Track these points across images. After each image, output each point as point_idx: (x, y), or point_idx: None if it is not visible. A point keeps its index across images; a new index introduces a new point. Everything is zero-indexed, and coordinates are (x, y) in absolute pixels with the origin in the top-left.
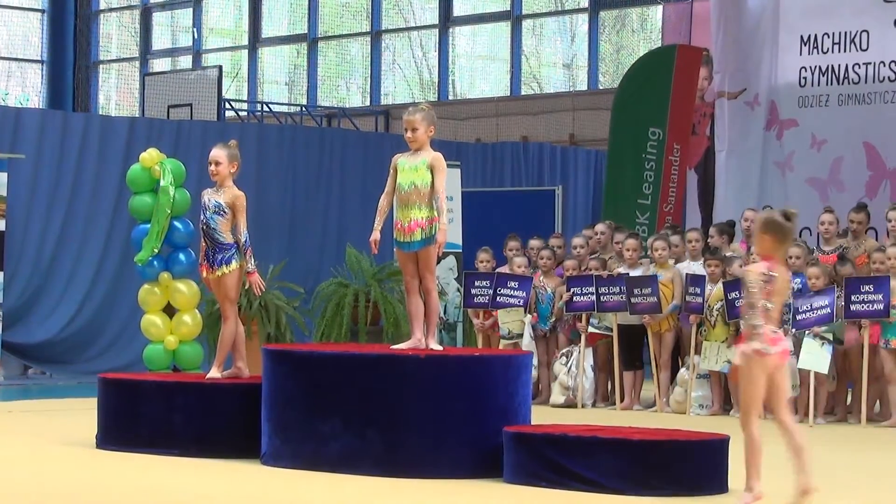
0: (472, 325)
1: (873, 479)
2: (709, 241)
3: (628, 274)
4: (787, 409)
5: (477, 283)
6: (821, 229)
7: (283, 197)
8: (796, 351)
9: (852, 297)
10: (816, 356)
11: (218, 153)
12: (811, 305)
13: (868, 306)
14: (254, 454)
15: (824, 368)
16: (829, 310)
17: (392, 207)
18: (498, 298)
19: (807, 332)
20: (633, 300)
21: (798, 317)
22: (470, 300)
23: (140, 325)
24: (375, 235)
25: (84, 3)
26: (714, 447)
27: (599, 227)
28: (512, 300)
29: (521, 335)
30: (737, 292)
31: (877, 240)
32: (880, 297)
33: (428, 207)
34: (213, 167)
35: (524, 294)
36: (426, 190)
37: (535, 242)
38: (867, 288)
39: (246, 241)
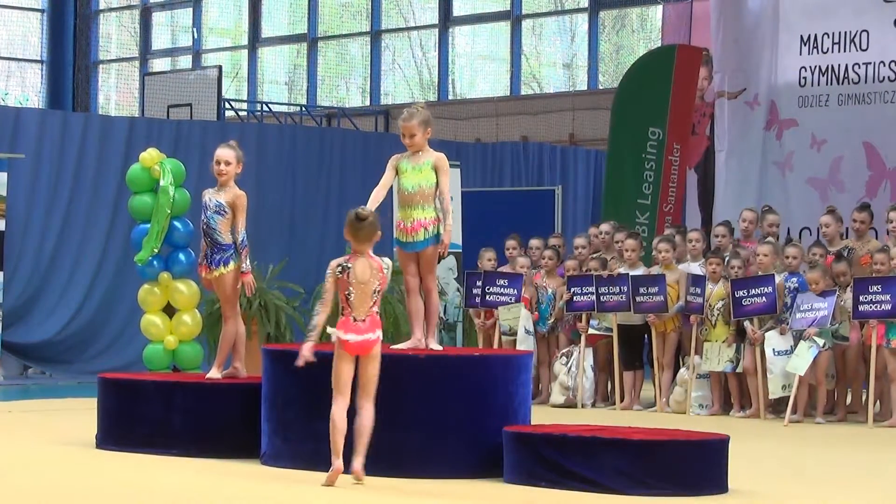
0: (472, 324)
1: (872, 479)
2: (720, 240)
3: (629, 274)
4: (368, 394)
5: (478, 283)
6: (822, 230)
7: (282, 197)
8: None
9: (861, 298)
10: (801, 358)
11: (227, 153)
12: (812, 306)
13: (877, 306)
14: (253, 454)
15: (802, 371)
16: (826, 312)
17: (383, 200)
18: (488, 297)
19: (804, 334)
20: (637, 299)
21: (798, 315)
22: (472, 300)
23: (140, 324)
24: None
25: (84, 2)
26: (714, 447)
27: (604, 226)
28: (503, 298)
29: None
30: (745, 291)
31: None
32: (888, 297)
33: (431, 208)
34: (221, 167)
35: (515, 291)
36: (431, 191)
37: (535, 242)
38: (876, 288)
39: (243, 241)
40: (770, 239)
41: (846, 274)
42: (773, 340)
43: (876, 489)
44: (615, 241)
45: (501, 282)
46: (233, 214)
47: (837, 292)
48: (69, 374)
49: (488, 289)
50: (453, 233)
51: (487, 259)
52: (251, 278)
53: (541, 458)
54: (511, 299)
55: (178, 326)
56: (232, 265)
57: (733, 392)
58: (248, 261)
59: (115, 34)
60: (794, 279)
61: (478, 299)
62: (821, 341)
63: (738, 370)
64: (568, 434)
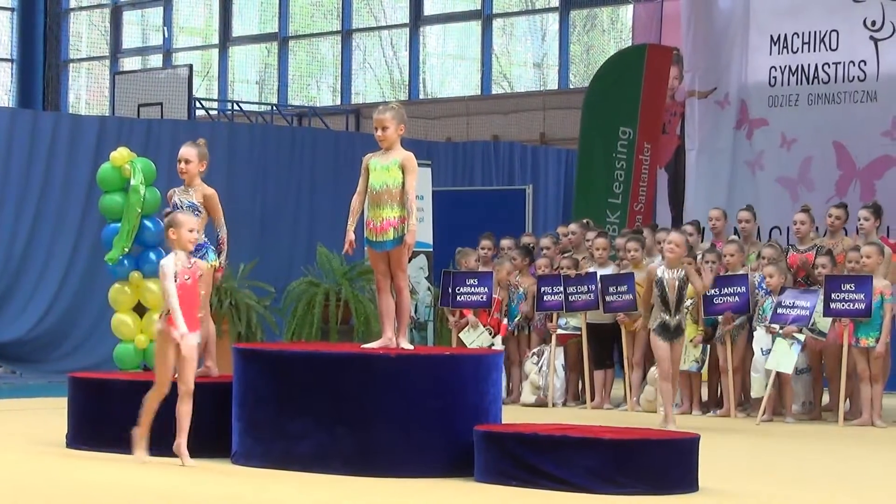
0: (443, 323)
1: (842, 478)
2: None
3: (597, 273)
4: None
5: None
6: (794, 228)
7: (253, 196)
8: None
9: (833, 296)
10: (784, 356)
11: (188, 151)
12: (794, 303)
13: (849, 305)
14: (224, 453)
15: (789, 369)
16: (808, 312)
17: (364, 207)
18: (458, 297)
19: (779, 330)
20: (607, 298)
21: (779, 310)
22: (446, 299)
23: (110, 324)
24: (350, 236)
25: (54, 1)
26: (684, 446)
27: (572, 226)
28: (474, 297)
29: None
30: (716, 289)
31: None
32: (862, 296)
33: (400, 207)
34: (182, 165)
35: (486, 290)
36: (398, 190)
37: (506, 242)
38: (848, 287)
39: (220, 237)
40: (734, 237)
41: (826, 267)
42: (763, 340)
43: (845, 487)
44: (585, 240)
45: (471, 281)
46: (207, 213)
47: (820, 291)
48: (39, 374)
49: (458, 289)
50: (424, 232)
51: (475, 260)
52: (220, 275)
53: (512, 457)
54: (482, 298)
55: (148, 326)
56: (208, 262)
57: (695, 392)
58: (223, 257)
59: (85, 33)
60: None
61: (448, 299)
62: (802, 337)
63: (703, 370)
64: (539, 433)
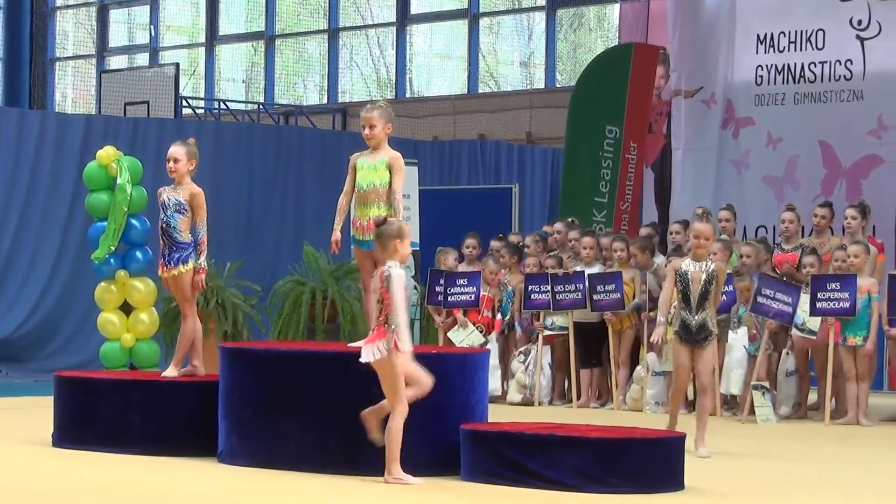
0: (430, 322)
1: (827, 476)
2: (673, 237)
3: (585, 272)
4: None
5: (441, 282)
6: (782, 227)
7: (239, 194)
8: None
9: (818, 295)
10: (764, 408)
11: (176, 150)
12: (774, 295)
13: (834, 304)
14: (211, 452)
15: (774, 420)
16: (790, 309)
17: (351, 206)
18: (450, 298)
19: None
20: (595, 297)
21: (759, 298)
22: (433, 297)
23: (97, 322)
24: (336, 235)
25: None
26: (670, 445)
27: (557, 225)
28: (464, 297)
29: None
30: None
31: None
32: (847, 295)
33: (387, 206)
34: (171, 164)
35: (474, 289)
36: (384, 189)
37: (496, 244)
38: (834, 286)
39: (199, 237)
40: (723, 237)
41: (814, 266)
42: (743, 339)
43: (830, 486)
44: (569, 239)
45: (461, 281)
46: (192, 212)
47: (802, 289)
48: (25, 373)
49: (450, 290)
50: (411, 231)
51: (454, 259)
52: (202, 277)
53: (498, 456)
54: (471, 297)
55: (135, 324)
56: (191, 264)
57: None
58: (204, 258)
59: (71, 31)
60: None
61: (440, 297)
62: (752, 348)
63: None
64: (525, 432)
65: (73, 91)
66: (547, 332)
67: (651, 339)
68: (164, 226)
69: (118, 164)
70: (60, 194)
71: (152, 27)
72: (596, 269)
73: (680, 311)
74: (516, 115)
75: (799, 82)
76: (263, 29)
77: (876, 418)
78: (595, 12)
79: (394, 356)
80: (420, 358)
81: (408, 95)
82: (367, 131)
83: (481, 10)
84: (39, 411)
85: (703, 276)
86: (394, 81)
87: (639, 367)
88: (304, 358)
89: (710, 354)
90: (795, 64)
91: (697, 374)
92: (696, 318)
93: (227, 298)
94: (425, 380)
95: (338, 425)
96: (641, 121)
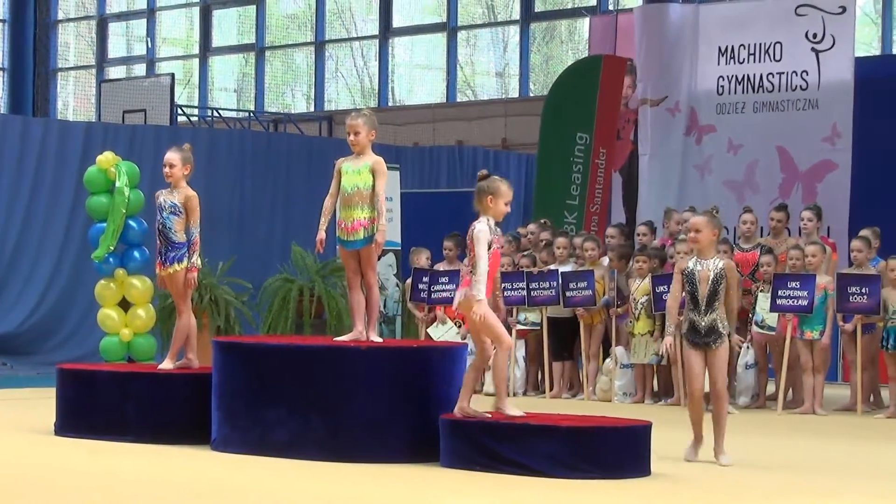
0: (410, 318)
1: (784, 462)
2: (641, 238)
3: (559, 270)
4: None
5: (425, 279)
6: (742, 228)
7: (232, 197)
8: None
9: (779, 292)
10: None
11: (172, 156)
12: (790, 294)
13: (794, 301)
14: (204, 441)
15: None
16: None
17: (336, 208)
18: (433, 295)
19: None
20: (567, 294)
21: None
22: (416, 294)
23: (97, 318)
24: (321, 235)
25: (43, 12)
26: (637, 433)
27: (531, 226)
28: (444, 294)
29: None
30: (665, 286)
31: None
32: (806, 293)
33: (370, 208)
34: (167, 169)
35: (454, 287)
36: (368, 192)
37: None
38: (794, 284)
39: (192, 238)
40: (683, 236)
41: (771, 265)
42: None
43: (787, 472)
44: (541, 239)
45: (443, 279)
46: (186, 214)
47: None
48: (29, 365)
49: (433, 287)
50: (393, 232)
51: (426, 258)
52: (194, 276)
53: (475, 444)
54: (452, 294)
55: (132, 320)
56: (185, 262)
57: (647, 382)
58: (196, 257)
59: (73, 43)
60: None
61: (424, 294)
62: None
63: (664, 363)
64: (500, 421)
65: (74, 100)
66: (520, 327)
67: (660, 351)
68: (161, 227)
69: (117, 169)
70: (62, 197)
71: (149, 39)
72: (569, 267)
73: (688, 311)
74: (492, 122)
75: (758, 92)
76: (254, 41)
77: (831, 408)
78: (566, 26)
79: (475, 302)
80: (402, 351)
81: (390, 104)
82: (351, 137)
83: (459, 23)
84: (42, 402)
85: (712, 276)
86: (377, 91)
87: (608, 360)
88: (292, 351)
89: (723, 357)
90: (755, 75)
91: (712, 380)
92: (706, 319)
93: (219, 295)
94: (505, 338)
95: (324, 415)
96: (610, 128)
